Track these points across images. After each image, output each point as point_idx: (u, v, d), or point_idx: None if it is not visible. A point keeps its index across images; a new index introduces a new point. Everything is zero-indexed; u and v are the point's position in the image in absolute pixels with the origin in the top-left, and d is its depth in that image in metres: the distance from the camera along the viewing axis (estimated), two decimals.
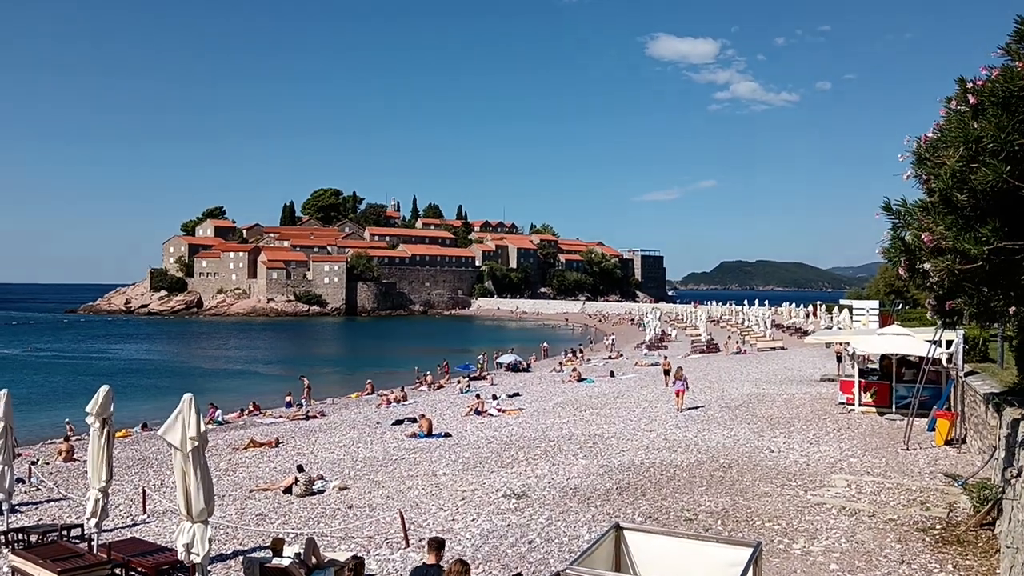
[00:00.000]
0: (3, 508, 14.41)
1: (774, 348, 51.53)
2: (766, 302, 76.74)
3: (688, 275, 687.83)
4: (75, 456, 22.77)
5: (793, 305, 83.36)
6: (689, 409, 25.50)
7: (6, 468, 14.17)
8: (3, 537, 13.38)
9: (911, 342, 21.60)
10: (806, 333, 56.20)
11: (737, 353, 49.44)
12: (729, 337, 59.20)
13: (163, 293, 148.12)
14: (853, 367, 24.10)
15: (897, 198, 8.30)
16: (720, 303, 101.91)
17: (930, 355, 18.97)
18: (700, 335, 58.81)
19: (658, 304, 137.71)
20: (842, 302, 55.94)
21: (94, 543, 12.21)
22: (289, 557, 10.09)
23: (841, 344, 31.31)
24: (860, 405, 23.31)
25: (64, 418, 32.13)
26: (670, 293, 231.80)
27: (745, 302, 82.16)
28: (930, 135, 7.71)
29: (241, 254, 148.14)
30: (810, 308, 74.08)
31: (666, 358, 41.29)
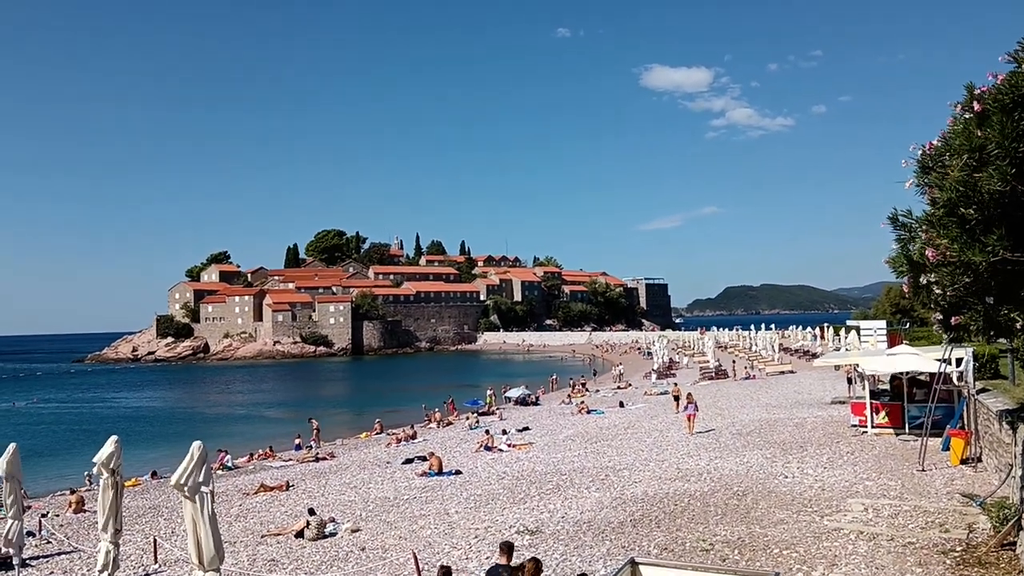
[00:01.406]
0: (15, 563, 14.31)
1: (783, 372, 51.27)
2: (772, 326, 76.57)
3: (693, 302, 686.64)
4: (85, 507, 22.64)
5: (800, 328, 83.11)
6: (700, 434, 25.33)
7: (16, 522, 14.10)
8: None
9: (921, 361, 21.49)
10: (815, 356, 55.94)
11: (746, 378, 49.20)
12: (735, 362, 58.93)
13: (169, 339, 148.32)
14: (864, 388, 23.95)
15: (903, 209, 8.27)
16: (726, 329, 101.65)
17: (940, 373, 18.86)
18: (708, 361, 58.57)
19: (665, 332, 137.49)
20: (849, 323, 55.69)
21: None
22: None
23: (850, 366, 31.16)
24: (873, 427, 23.13)
25: (70, 469, 32.10)
26: (676, 320, 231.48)
27: (752, 327, 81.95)
28: (936, 143, 7.69)
29: (246, 298, 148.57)
30: (817, 330, 73.81)
31: (676, 384, 41.12)
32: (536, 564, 8.96)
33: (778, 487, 16.95)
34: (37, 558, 16.60)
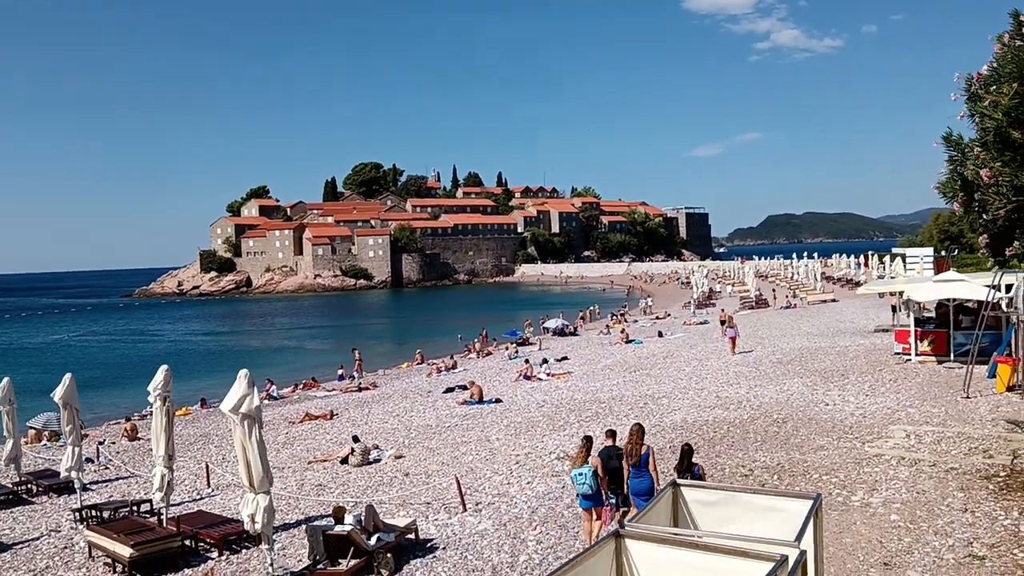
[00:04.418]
0: (76, 487, 14.97)
1: (825, 301, 50.61)
2: (815, 254, 75.36)
3: (734, 231, 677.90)
4: (139, 435, 23.50)
5: (843, 256, 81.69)
6: (739, 364, 25.28)
7: (75, 448, 14.71)
8: (78, 514, 13.91)
9: (968, 288, 21.00)
10: (858, 284, 55.07)
11: (787, 307, 48.73)
12: (775, 291, 58.29)
13: (213, 274, 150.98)
14: (908, 316, 23.57)
15: (956, 132, 8.04)
16: (767, 258, 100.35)
17: (989, 300, 18.43)
18: (748, 291, 58.03)
19: (704, 262, 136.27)
20: (894, 251, 54.48)
21: (163, 517, 12.63)
22: (350, 524, 10.30)
23: (895, 293, 30.63)
24: (917, 355, 22.83)
25: (123, 399, 33.18)
26: (719, 250, 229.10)
27: (793, 255, 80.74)
28: (984, 72, 7.43)
29: (286, 232, 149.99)
30: (861, 258, 72.51)
31: (723, 310, 40.87)
32: (639, 428, 10.52)
33: (818, 414, 16.91)
34: (96, 482, 17.34)
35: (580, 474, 10.07)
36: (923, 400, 17.50)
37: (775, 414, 17.30)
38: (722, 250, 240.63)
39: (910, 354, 23.01)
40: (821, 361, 24.65)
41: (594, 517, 10.23)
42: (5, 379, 16.99)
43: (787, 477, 12.46)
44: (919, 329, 23.06)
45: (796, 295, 56.00)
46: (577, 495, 10.43)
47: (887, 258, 59.80)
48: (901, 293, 24.48)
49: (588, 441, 10.64)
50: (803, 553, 5.25)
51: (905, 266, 36.61)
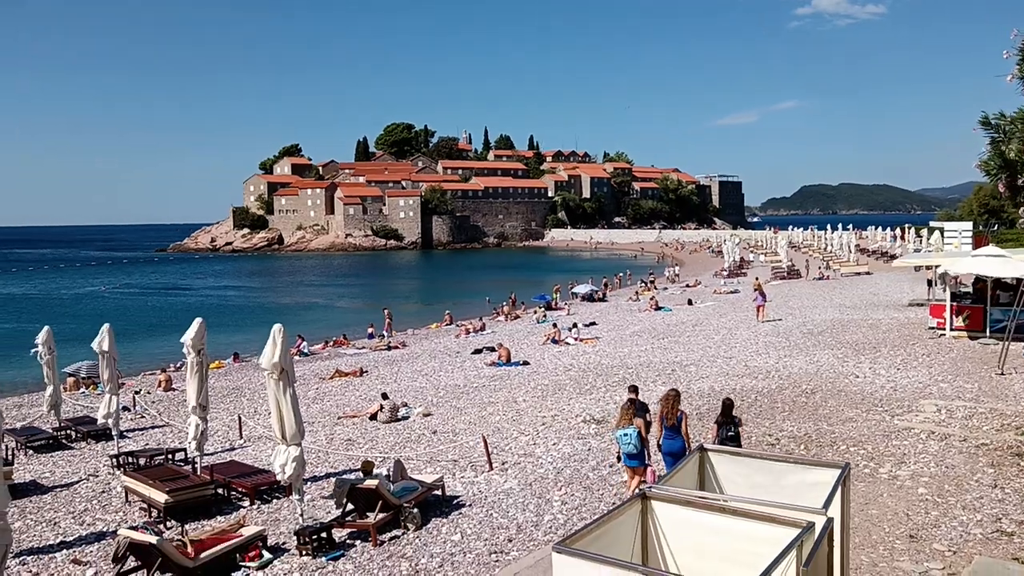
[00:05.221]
0: (113, 434, 15.38)
1: (859, 273, 49.95)
2: (850, 226, 74.16)
3: (768, 200, 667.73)
4: (173, 386, 23.99)
5: (879, 229, 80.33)
6: (769, 334, 25.12)
7: (113, 397, 15.07)
8: (115, 460, 14.31)
9: (1008, 264, 20.61)
10: (893, 257, 54.25)
11: (819, 279, 48.18)
12: (808, 262, 57.58)
13: (245, 231, 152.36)
14: (944, 291, 23.23)
15: (995, 112, 7.86)
16: (801, 228, 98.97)
17: None
18: (780, 261, 57.41)
19: (737, 231, 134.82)
20: (932, 224, 53.51)
21: (197, 465, 12.95)
22: (378, 477, 10.48)
23: (931, 267, 30.14)
24: (951, 330, 22.54)
25: (158, 350, 33.78)
26: (752, 219, 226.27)
27: (828, 227, 79.56)
28: None
29: (318, 191, 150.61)
30: (897, 231, 71.27)
31: (757, 278, 40.50)
32: (676, 392, 10.87)
33: (848, 386, 16.81)
34: (132, 430, 17.78)
35: (625, 434, 10.44)
36: (956, 375, 17.31)
37: (804, 385, 17.22)
38: (755, 219, 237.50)
39: (945, 329, 22.72)
40: (853, 333, 24.41)
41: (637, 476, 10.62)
42: (45, 328, 17.40)
43: (814, 447, 12.43)
44: (955, 304, 22.73)
45: (829, 266, 55.32)
46: (620, 454, 10.82)
47: (924, 231, 58.75)
48: (938, 267, 24.11)
49: (632, 403, 11.01)
50: (830, 521, 5.26)
51: (943, 240, 35.98)
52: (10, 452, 15.15)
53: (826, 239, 73.37)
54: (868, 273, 49.39)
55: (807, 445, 12.57)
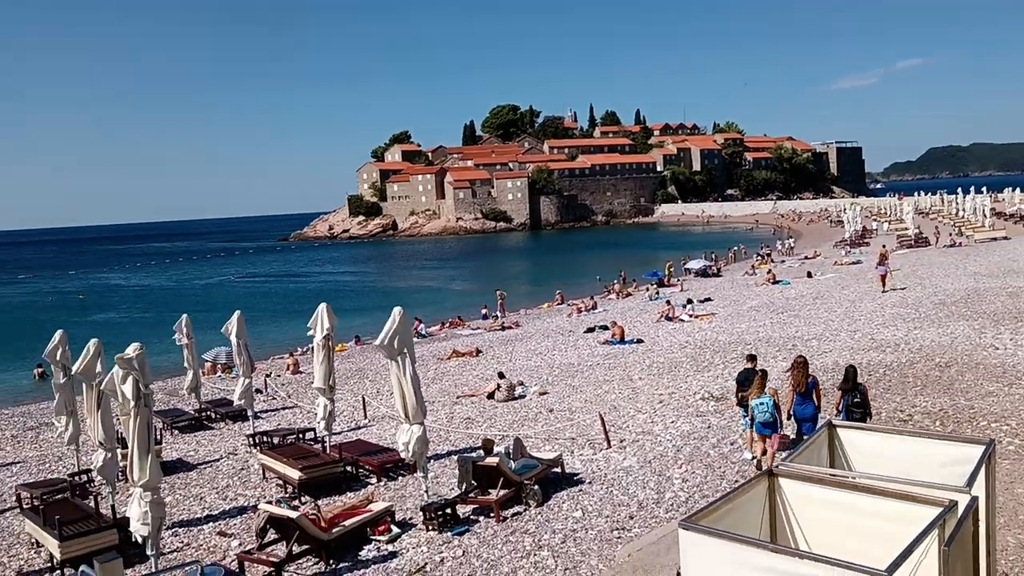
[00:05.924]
0: (248, 415, 16.28)
1: (995, 239, 46.76)
2: (984, 189, 69.46)
3: (890, 165, 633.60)
4: (301, 369, 25.12)
5: (1017, 190, 74.84)
6: (897, 306, 23.94)
7: (246, 380, 15.94)
8: (251, 439, 15.16)
9: None
10: None
11: (950, 246, 45.47)
12: (937, 229, 54.37)
13: (361, 218, 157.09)
14: None
15: None
16: (929, 193, 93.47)
17: None
18: (907, 228, 54.46)
19: (857, 199, 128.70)
20: None
21: (326, 444, 13.56)
22: (499, 455, 10.68)
23: None
24: None
25: (284, 336, 35.35)
26: (875, 186, 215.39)
27: (959, 190, 74.77)
28: None
29: (428, 176, 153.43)
30: None
31: (884, 245, 38.65)
32: (804, 359, 11.17)
33: (987, 359, 15.84)
34: (265, 411, 18.79)
35: (761, 403, 10.76)
36: None
37: (937, 358, 16.34)
38: (877, 186, 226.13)
39: None
40: (991, 303, 22.94)
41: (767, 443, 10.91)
42: (184, 316, 18.54)
43: (951, 423, 11.82)
44: None
45: (962, 232, 52.07)
46: (753, 422, 11.00)
47: None
48: None
49: (764, 374, 11.41)
50: (974, 499, 5.01)
51: None
52: (158, 432, 16.28)
53: (957, 203, 69.01)
54: (1006, 238, 46.19)
55: (943, 421, 11.96)
